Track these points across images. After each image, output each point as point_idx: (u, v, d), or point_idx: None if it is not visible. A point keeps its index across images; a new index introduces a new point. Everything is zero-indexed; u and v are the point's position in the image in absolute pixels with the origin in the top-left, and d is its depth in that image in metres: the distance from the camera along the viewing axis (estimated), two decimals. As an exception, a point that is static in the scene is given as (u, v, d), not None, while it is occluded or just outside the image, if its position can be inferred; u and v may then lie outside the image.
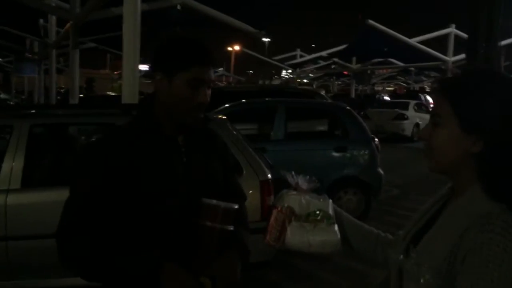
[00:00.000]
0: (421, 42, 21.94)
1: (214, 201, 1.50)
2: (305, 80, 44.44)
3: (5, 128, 3.94)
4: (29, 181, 3.58)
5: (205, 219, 1.48)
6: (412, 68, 34.41)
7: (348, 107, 7.33)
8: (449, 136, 1.15)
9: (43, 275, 3.55)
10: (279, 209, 1.42)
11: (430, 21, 31.63)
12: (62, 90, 23.85)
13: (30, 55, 18.83)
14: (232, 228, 1.51)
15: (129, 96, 5.62)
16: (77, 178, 1.52)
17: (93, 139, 1.67)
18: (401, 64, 27.97)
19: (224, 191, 1.64)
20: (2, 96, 23.66)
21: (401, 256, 1.22)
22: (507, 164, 1.10)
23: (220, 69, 46.25)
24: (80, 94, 13.26)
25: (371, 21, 19.45)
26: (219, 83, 33.43)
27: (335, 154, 6.69)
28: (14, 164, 3.54)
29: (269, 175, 3.96)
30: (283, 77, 54.47)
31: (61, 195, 3.51)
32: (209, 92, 1.54)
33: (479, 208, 1.08)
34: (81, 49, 11.61)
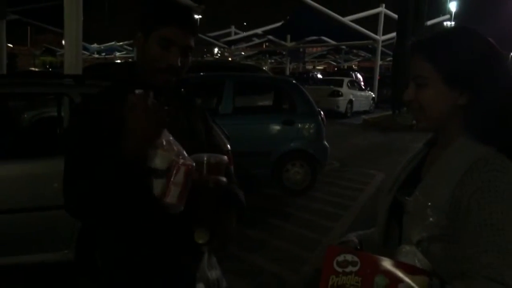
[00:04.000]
0: (353, 21, 22.59)
1: (205, 155, 1.48)
2: (237, 59, 44.46)
3: None
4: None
5: (197, 173, 1.45)
6: (344, 47, 35.40)
7: (295, 81, 7.43)
8: (435, 93, 1.21)
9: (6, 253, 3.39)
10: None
11: (361, 1, 32.52)
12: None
13: None
14: (225, 180, 1.47)
15: (72, 68, 5.37)
16: (70, 135, 1.52)
17: (78, 103, 1.64)
18: (333, 42, 28.65)
19: (208, 148, 1.63)
20: None
21: (402, 196, 1.27)
22: (492, 110, 1.17)
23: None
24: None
25: (306, -1, 19.71)
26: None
27: (283, 127, 6.78)
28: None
29: (229, 146, 3.97)
30: (215, 55, 54.04)
31: (9, 169, 3.37)
32: (186, 58, 1.52)
33: (473, 153, 1.15)
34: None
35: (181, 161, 1.32)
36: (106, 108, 1.47)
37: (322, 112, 7.11)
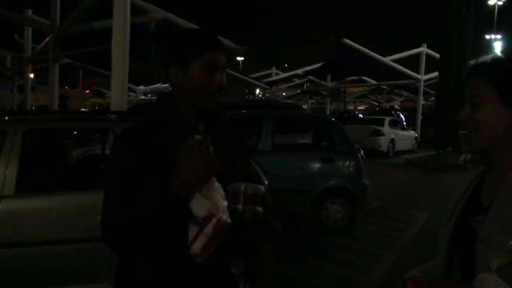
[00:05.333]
0: (394, 61, 22.53)
1: (242, 184, 1.48)
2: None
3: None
4: (23, 187, 3.50)
5: (234, 203, 1.46)
6: (385, 87, 35.20)
7: (334, 119, 7.45)
8: (492, 112, 1.25)
9: (37, 283, 3.47)
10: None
11: (402, 41, 32.51)
12: (33, 107, 23.42)
13: (4, 71, 18.48)
14: (261, 210, 1.47)
15: (118, 107, 5.60)
16: (111, 166, 1.56)
17: (122, 131, 1.70)
18: (374, 82, 28.58)
19: (245, 178, 1.65)
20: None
21: (476, 222, 1.25)
22: None
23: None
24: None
25: (346, 40, 19.92)
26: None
27: (322, 165, 6.76)
28: (8, 170, 3.46)
29: (266, 181, 3.99)
30: (257, 96, 54.81)
31: (54, 201, 3.50)
32: (224, 76, 1.57)
33: None
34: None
35: (216, 213, 1.33)
36: (146, 140, 1.51)
37: (362, 150, 7.06)
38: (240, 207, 1.45)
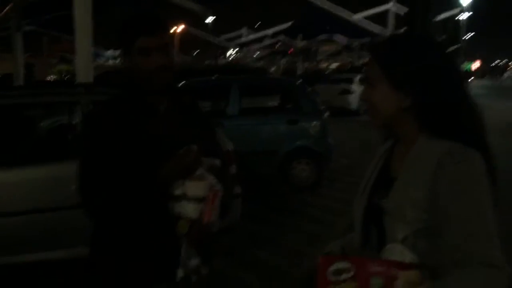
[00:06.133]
0: (363, 18, 22.68)
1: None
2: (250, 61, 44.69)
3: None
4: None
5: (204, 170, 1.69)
6: (355, 44, 35.38)
7: (299, 82, 7.64)
8: (381, 94, 1.27)
9: (17, 251, 3.67)
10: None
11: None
12: (-2, 76, 22.77)
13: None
14: (219, 185, 1.70)
15: (84, 75, 5.66)
16: (83, 141, 1.83)
17: (90, 110, 1.92)
18: (344, 40, 28.74)
19: (206, 151, 1.84)
20: None
21: (380, 198, 1.30)
22: (436, 113, 1.23)
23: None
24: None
25: (315, -2, 19.90)
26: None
27: (288, 126, 7.00)
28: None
29: (231, 146, 4.22)
30: (229, 56, 54.34)
31: (28, 173, 3.64)
32: (164, 55, 1.72)
33: (439, 148, 1.20)
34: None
35: (218, 188, 1.68)
36: (116, 116, 1.74)
37: (327, 111, 7.31)
38: None
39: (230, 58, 51.68)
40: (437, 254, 1.15)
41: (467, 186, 1.15)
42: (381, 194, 1.30)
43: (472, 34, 57.22)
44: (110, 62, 47.82)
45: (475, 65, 61.65)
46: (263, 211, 6.01)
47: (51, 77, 34.08)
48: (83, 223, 3.71)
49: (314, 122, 7.03)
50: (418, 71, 1.23)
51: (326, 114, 7.28)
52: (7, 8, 10.27)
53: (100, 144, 1.72)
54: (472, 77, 48.95)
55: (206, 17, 33.23)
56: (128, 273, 1.74)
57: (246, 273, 4.28)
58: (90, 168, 1.72)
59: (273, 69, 12.75)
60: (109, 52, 45.16)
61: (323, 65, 53.08)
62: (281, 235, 5.28)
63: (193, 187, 1.64)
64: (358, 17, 22.61)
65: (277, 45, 35.73)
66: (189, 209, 1.63)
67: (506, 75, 57.16)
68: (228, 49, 45.65)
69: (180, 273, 1.68)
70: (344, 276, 1.12)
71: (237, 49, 37.56)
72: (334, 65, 53.25)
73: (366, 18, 23.13)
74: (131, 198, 1.67)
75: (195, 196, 1.63)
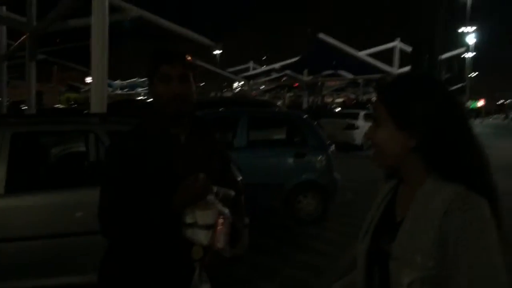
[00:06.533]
0: (369, 55, 23.05)
1: (215, 187, 1.80)
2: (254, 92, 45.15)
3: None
4: (12, 187, 3.73)
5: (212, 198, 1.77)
6: (360, 80, 35.80)
7: (306, 116, 7.78)
8: (387, 134, 1.29)
9: (28, 275, 3.72)
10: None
11: (377, 36, 33.07)
12: (7, 103, 23.08)
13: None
14: (227, 211, 1.78)
15: (98, 105, 5.82)
16: (105, 169, 1.90)
17: (112, 141, 2.00)
18: (350, 76, 29.10)
19: (222, 182, 1.93)
20: None
21: (385, 242, 1.29)
22: (442, 154, 1.24)
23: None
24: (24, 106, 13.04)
25: (322, 35, 20.29)
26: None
27: (295, 160, 7.10)
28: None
29: (240, 177, 4.31)
30: (234, 89, 54.94)
31: (42, 199, 3.73)
32: (183, 85, 1.85)
33: (447, 193, 1.20)
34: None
35: (227, 215, 1.74)
36: (138, 145, 1.84)
37: (333, 145, 7.41)
38: None
39: (236, 91, 52.33)
40: None
41: (475, 235, 1.15)
42: (386, 237, 1.29)
43: (476, 73, 57.93)
44: (119, 91, 48.52)
45: (480, 103, 62.00)
46: (269, 242, 6.05)
47: (58, 105, 34.55)
48: (95, 249, 3.78)
49: (321, 156, 7.13)
50: (422, 112, 1.24)
51: (332, 148, 7.38)
52: (23, 37, 10.55)
53: (121, 172, 1.80)
54: (481, 116, 49.27)
55: (214, 50, 33.92)
56: None
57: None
58: (110, 196, 1.80)
59: (279, 102, 12.94)
60: (117, 82, 45.84)
61: (328, 99, 53.76)
62: (286, 267, 5.31)
63: (203, 215, 1.71)
64: (363, 54, 22.99)
65: (283, 79, 36.18)
66: (200, 236, 1.70)
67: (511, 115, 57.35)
68: (234, 82, 46.28)
69: None
70: None
71: (243, 82, 38.01)
72: (339, 100, 53.93)
73: (372, 55, 23.53)
74: (146, 225, 1.74)
75: (205, 223, 1.70)
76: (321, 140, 7.29)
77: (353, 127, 18.17)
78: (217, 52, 37.01)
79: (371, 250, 1.36)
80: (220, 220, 1.72)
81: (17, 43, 12.16)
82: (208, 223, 1.71)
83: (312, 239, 6.44)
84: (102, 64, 5.86)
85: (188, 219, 1.72)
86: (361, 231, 1.43)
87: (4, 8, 13.36)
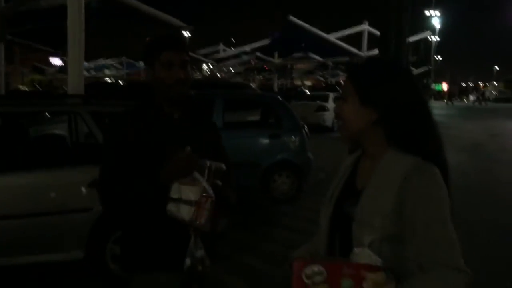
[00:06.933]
0: (339, 38, 23.30)
1: (208, 161, 1.92)
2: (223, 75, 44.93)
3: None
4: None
5: (200, 175, 1.87)
6: (330, 63, 36.15)
7: (280, 98, 7.96)
8: (353, 109, 1.42)
9: (12, 253, 3.83)
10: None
11: (346, 19, 33.39)
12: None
13: None
14: (220, 183, 1.91)
15: (75, 86, 5.83)
16: (104, 145, 2.03)
17: (111, 120, 2.12)
18: (319, 58, 29.35)
19: (213, 156, 2.07)
20: None
21: (348, 206, 1.41)
22: (401, 129, 1.38)
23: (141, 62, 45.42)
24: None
25: (292, 17, 20.40)
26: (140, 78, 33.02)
27: (270, 140, 7.30)
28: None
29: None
30: (204, 72, 54.49)
31: (22, 179, 3.80)
32: (184, 70, 1.97)
33: (405, 163, 1.35)
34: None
35: (210, 194, 1.79)
36: (134, 122, 1.96)
37: (306, 126, 7.63)
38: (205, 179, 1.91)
39: (206, 73, 51.94)
40: (400, 259, 1.28)
41: (430, 197, 1.29)
42: (349, 202, 1.41)
43: (440, 58, 59.25)
44: (86, 73, 47.36)
45: (444, 86, 63.50)
46: (246, 220, 6.25)
47: (21, 87, 33.62)
48: (80, 228, 3.90)
49: (295, 137, 7.34)
50: (386, 91, 1.38)
51: (306, 129, 7.60)
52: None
53: (119, 149, 1.93)
54: (446, 100, 50.55)
55: (185, 31, 33.48)
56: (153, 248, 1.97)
57: (231, 276, 4.50)
58: (109, 168, 1.94)
59: (253, 85, 13.10)
60: (84, 64, 44.71)
61: (297, 82, 54.01)
62: (265, 243, 5.53)
63: (187, 190, 1.77)
64: (333, 37, 23.23)
65: (254, 62, 36.17)
66: (183, 211, 1.79)
67: (472, 97, 59.01)
68: (202, 64, 45.91)
69: (187, 262, 1.85)
70: (317, 278, 1.20)
71: (213, 65, 37.80)
72: (307, 83, 54.28)
73: (341, 38, 23.80)
74: (139, 197, 1.87)
75: (188, 199, 1.76)
76: (296, 121, 7.50)
77: (324, 109, 18.44)
78: (187, 35, 36.48)
79: (334, 215, 1.48)
80: (203, 198, 1.76)
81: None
82: (191, 199, 1.76)
83: (288, 217, 6.68)
84: (79, 45, 5.86)
85: (173, 194, 1.80)
86: (325, 198, 1.55)
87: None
